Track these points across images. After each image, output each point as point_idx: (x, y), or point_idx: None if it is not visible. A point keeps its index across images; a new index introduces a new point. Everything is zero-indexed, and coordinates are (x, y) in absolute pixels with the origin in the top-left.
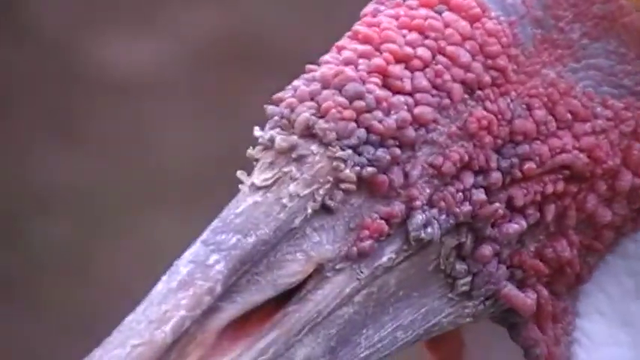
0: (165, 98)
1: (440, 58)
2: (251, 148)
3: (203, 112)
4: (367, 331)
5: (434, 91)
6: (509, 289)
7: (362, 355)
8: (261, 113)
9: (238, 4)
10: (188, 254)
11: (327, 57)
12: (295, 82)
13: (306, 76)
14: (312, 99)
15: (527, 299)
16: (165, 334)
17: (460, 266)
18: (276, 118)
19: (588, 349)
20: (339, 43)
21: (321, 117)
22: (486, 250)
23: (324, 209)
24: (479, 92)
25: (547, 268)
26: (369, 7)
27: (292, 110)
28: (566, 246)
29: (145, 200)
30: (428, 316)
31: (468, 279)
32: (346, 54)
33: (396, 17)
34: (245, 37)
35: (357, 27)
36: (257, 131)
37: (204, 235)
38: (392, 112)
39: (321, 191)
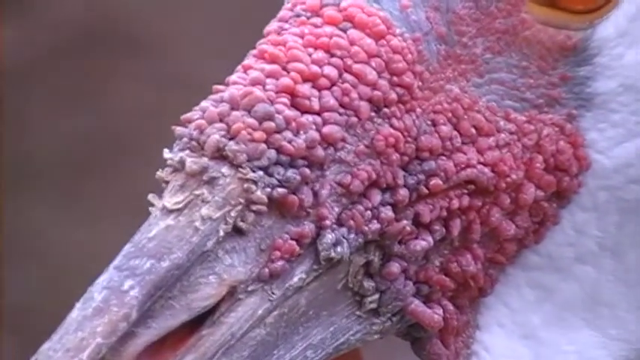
0: (29, 83)
1: (347, 76)
2: (160, 170)
3: (66, 97)
4: (279, 351)
5: (341, 110)
6: (416, 305)
7: None
8: (121, 98)
9: None
10: (102, 280)
11: (234, 77)
12: (203, 103)
13: (213, 96)
14: (221, 120)
15: (434, 315)
16: None
17: (368, 284)
18: (185, 139)
19: None
20: (246, 62)
21: (232, 139)
22: (394, 267)
23: (236, 231)
24: (385, 110)
25: (452, 283)
26: (273, 25)
27: (202, 132)
28: (470, 260)
29: (9, 185)
30: (337, 335)
31: (376, 296)
32: (254, 74)
33: (302, 36)
34: (106, 23)
35: (263, 46)
36: (166, 153)
37: (117, 261)
38: (301, 132)
39: (232, 213)
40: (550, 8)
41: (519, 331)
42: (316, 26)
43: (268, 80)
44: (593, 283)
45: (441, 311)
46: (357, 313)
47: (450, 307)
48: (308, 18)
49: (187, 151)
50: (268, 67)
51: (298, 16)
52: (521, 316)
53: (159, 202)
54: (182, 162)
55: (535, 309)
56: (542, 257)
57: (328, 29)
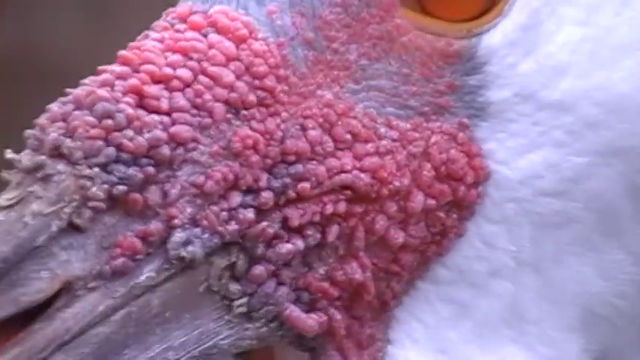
0: None
1: (202, 78)
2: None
3: None
4: (131, 351)
5: (194, 111)
6: (292, 311)
7: None
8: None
9: (20, 22)
10: None
11: (86, 80)
12: (51, 105)
13: (62, 98)
14: (63, 120)
15: (308, 320)
16: None
17: (234, 287)
18: (30, 140)
19: None
20: (102, 67)
21: (70, 137)
22: (259, 270)
23: (73, 228)
24: (244, 112)
25: (338, 291)
26: (143, 34)
27: (43, 131)
28: (356, 268)
29: None
30: (203, 338)
31: (244, 300)
32: (104, 76)
33: (161, 40)
34: (22, 53)
35: (123, 51)
36: (8, 154)
37: None
38: (145, 130)
39: (66, 209)
40: (424, 15)
41: (435, 346)
42: (179, 32)
43: (117, 82)
44: (514, 300)
45: (322, 319)
46: (227, 317)
47: (338, 316)
48: (173, 25)
49: (28, 150)
50: (119, 69)
51: (169, 23)
52: (436, 332)
53: None
54: (20, 160)
55: (452, 325)
56: (451, 271)
57: (189, 34)
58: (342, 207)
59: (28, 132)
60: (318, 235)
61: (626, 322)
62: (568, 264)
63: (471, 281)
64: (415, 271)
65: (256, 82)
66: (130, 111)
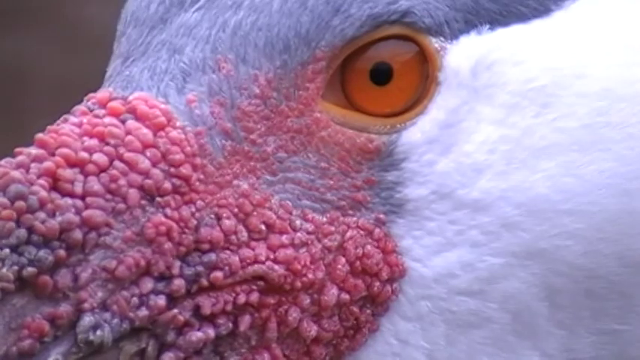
0: None
1: (117, 163)
2: None
3: None
4: None
5: (108, 196)
6: None
7: None
8: None
9: None
10: None
11: (3, 161)
12: None
13: None
14: None
15: None
16: None
17: None
18: None
19: None
20: (20, 149)
21: None
22: (169, 357)
23: None
24: (159, 199)
25: None
26: (62, 117)
27: None
28: (268, 359)
29: None
30: None
31: None
32: (20, 158)
33: (79, 125)
34: None
35: (40, 134)
36: None
37: None
38: (57, 213)
39: None
40: (347, 109)
41: None
42: (97, 117)
43: (33, 164)
44: None
45: None
46: None
47: None
48: (92, 110)
49: None
50: (35, 151)
51: (88, 108)
52: None
53: None
54: None
55: None
56: None
57: (107, 120)
58: (254, 297)
59: None
60: (230, 325)
61: None
62: None
63: None
64: None
65: (172, 169)
66: (44, 193)
